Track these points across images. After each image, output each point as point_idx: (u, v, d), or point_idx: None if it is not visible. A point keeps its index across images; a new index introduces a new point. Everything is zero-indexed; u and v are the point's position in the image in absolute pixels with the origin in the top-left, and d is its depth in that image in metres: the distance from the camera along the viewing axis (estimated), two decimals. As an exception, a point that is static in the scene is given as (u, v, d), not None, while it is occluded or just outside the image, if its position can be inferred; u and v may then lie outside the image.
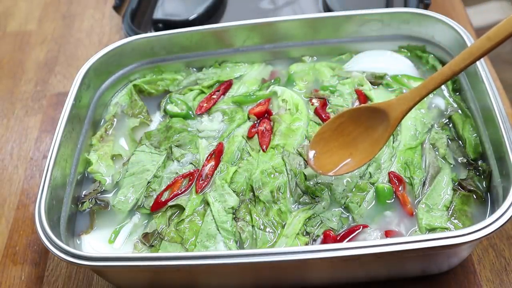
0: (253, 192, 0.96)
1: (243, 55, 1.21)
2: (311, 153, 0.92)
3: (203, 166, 1.02)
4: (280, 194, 0.96)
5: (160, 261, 0.80)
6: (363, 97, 1.10)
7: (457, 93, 1.09)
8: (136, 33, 1.33)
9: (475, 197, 0.93)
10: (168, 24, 1.38)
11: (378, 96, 1.10)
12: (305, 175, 0.98)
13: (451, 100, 1.08)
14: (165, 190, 1.00)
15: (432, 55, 1.15)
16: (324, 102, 1.11)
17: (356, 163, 0.90)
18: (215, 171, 1.01)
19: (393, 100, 0.86)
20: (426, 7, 1.32)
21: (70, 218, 0.98)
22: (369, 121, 0.89)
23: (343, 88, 1.12)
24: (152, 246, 0.93)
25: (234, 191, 0.97)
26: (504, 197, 0.81)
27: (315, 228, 0.92)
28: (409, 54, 1.18)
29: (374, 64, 1.16)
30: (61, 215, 0.95)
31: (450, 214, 0.91)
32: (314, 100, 1.11)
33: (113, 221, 0.99)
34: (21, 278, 1.04)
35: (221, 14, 1.46)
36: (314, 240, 0.90)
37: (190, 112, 1.14)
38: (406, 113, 0.85)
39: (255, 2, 1.48)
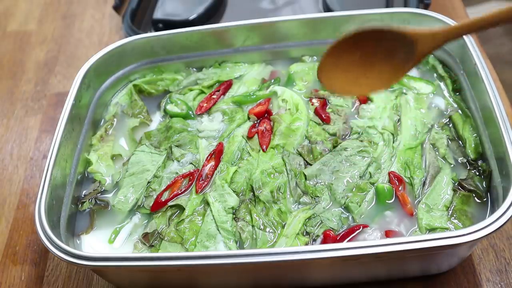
0: (253, 192, 0.96)
1: (243, 55, 1.21)
2: (322, 65, 0.81)
3: (203, 166, 1.02)
4: (280, 194, 0.96)
5: (160, 261, 0.80)
6: (363, 97, 1.10)
7: (457, 93, 1.09)
8: (136, 33, 1.33)
9: (475, 197, 0.93)
10: (168, 24, 1.38)
11: (378, 96, 1.10)
12: (305, 175, 0.98)
13: (451, 100, 1.08)
14: (165, 190, 1.00)
15: (432, 55, 1.15)
16: (324, 102, 1.11)
17: (370, 86, 0.81)
18: (215, 171, 1.01)
19: (425, 31, 0.74)
20: (426, 7, 1.32)
21: (70, 218, 0.98)
22: (392, 44, 0.77)
23: (343, 88, 1.12)
24: (152, 246, 0.93)
25: (234, 191, 0.97)
26: (504, 197, 0.81)
27: (315, 228, 0.92)
28: (409, 54, 1.18)
29: (374, 64, 1.16)
30: (61, 215, 0.95)
31: (450, 214, 0.91)
32: (314, 100, 1.11)
33: (113, 221, 0.99)
34: (21, 278, 1.04)
35: (221, 14, 1.46)
36: (314, 240, 0.90)
37: (190, 112, 1.14)
38: (435, 50, 0.75)
39: (255, 2, 1.48)
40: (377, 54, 0.79)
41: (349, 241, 0.89)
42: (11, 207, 1.16)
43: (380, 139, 1.02)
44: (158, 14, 1.42)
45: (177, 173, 1.02)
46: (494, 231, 0.77)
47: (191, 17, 1.39)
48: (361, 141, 1.02)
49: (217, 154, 1.03)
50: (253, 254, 0.79)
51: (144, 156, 1.05)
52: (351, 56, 0.79)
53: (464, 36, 1.03)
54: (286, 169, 0.99)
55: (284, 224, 0.92)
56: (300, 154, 1.01)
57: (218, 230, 0.92)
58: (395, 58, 0.78)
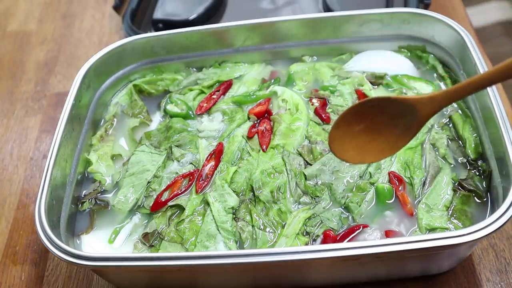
0: (253, 192, 0.96)
1: (243, 55, 1.21)
2: (332, 136, 0.87)
3: (203, 166, 1.02)
4: (280, 194, 0.96)
5: (160, 261, 0.80)
6: (363, 97, 1.10)
7: (457, 93, 1.09)
8: (136, 33, 1.33)
9: (475, 197, 0.93)
10: (168, 24, 1.38)
11: (378, 96, 1.10)
12: (305, 175, 0.98)
13: (451, 100, 1.08)
14: (165, 190, 1.00)
15: (432, 55, 1.15)
16: (324, 102, 1.11)
17: (379, 153, 0.86)
18: (215, 171, 1.01)
19: (425, 97, 0.80)
20: (426, 7, 1.32)
21: (70, 218, 0.98)
22: (396, 111, 0.83)
23: (343, 88, 1.12)
24: (152, 246, 0.93)
25: (234, 191, 0.97)
26: (504, 197, 0.81)
27: (315, 228, 0.92)
28: (409, 54, 1.18)
29: (374, 64, 1.16)
30: (61, 215, 0.95)
31: (450, 214, 0.91)
32: (314, 100, 1.11)
33: (113, 221, 0.99)
34: (21, 278, 1.04)
35: (221, 14, 1.46)
36: (314, 240, 0.90)
37: (190, 112, 1.14)
38: (435, 113, 0.81)
39: (255, 2, 1.48)
40: (383, 121, 0.84)
41: (349, 241, 0.89)
42: (11, 207, 1.16)
43: (380, 139, 1.02)
44: (158, 14, 1.42)
45: (177, 173, 1.02)
46: (494, 231, 0.77)
47: (191, 17, 1.39)
48: (361, 141, 1.02)
49: (217, 154, 1.03)
50: (253, 254, 0.79)
51: (144, 156, 1.05)
52: (358, 125, 0.86)
53: (464, 36, 1.04)
54: (286, 169, 0.99)
55: (284, 224, 0.92)
56: (300, 154, 1.01)
57: (218, 230, 0.92)
58: (400, 123, 0.83)
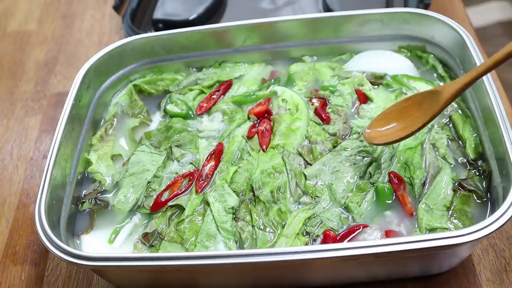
0: (253, 192, 0.96)
1: (243, 55, 1.21)
2: (371, 129, 0.98)
3: (203, 166, 1.02)
4: (280, 194, 0.96)
5: (160, 261, 0.80)
6: (363, 97, 1.10)
7: (457, 93, 1.09)
8: (136, 33, 1.33)
9: (475, 197, 0.93)
10: (168, 24, 1.38)
11: (378, 96, 1.10)
12: (305, 175, 0.98)
13: (451, 100, 1.08)
14: (165, 190, 1.00)
15: (432, 55, 1.15)
16: (324, 102, 1.11)
17: (406, 130, 0.93)
18: (215, 171, 1.01)
19: (447, 83, 0.90)
20: (426, 7, 1.31)
21: (70, 218, 0.98)
22: (422, 97, 0.93)
23: (343, 88, 1.12)
24: (152, 246, 0.93)
25: (234, 191, 0.97)
26: (504, 197, 0.81)
27: (315, 228, 0.92)
28: (409, 54, 1.18)
29: (374, 64, 1.16)
30: (61, 215, 0.95)
31: (450, 214, 0.91)
32: (314, 100, 1.11)
33: (113, 221, 0.99)
34: (21, 278, 1.04)
35: (221, 14, 1.46)
36: (314, 240, 0.90)
37: (190, 112, 1.14)
38: (457, 93, 0.88)
39: (255, 2, 1.48)
40: (410, 105, 0.94)
41: (349, 241, 0.89)
42: (11, 207, 1.16)
43: (380, 139, 1.02)
44: (158, 14, 1.42)
45: (177, 173, 1.02)
46: (494, 231, 0.77)
47: (191, 17, 1.39)
48: (361, 141, 1.02)
49: (217, 154, 1.03)
50: (253, 254, 0.79)
51: (144, 156, 1.05)
52: (392, 113, 0.97)
53: (464, 36, 1.04)
54: (286, 169, 0.99)
55: (284, 224, 0.92)
56: (300, 154, 1.01)
57: (218, 230, 0.92)
58: (423, 105, 0.92)
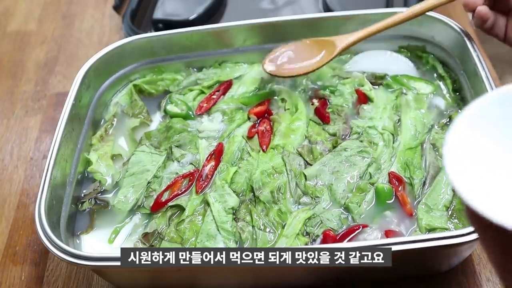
0: (253, 193, 0.96)
1: (243, 55, 1.21)
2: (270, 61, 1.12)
3: (203, 166, 1.02)
4: (280, 194, 0.96)
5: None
6: (363, 97, 1.10)
7: (457, 93, 1.09)
8: (136, 33, 1.33)
9: (475, 197, 0.92)
10: (168, 24, 1.38)
11: (379, 96, 1.10)
12: (305, 175, 0.98)
13: (451, 100, 1.08)
14: (165, 190, 1.00)
15: (432, 55, 1.15)
16: (324, 102, 1.11)
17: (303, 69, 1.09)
18: (215, 171, 1.01)
19: (343, 35, 1.09)
20: (426, 7, 1.31)
21: (70, 218, 0.98)
22: (321, 49, 1.10)
23: (343, 88, 1.12)
24: (152, 246, 0.93)
25: (234, 192, 0.97)
26: (504, 197, 0.81)
27: (315, 228, 0.92)
28: (409, 54, 1.18)
29: (374, 64, 1.16)
30: (61, 215, 0.95)
31: (450, 214, 0.91)
32: (314, 100, 1.11)
33: (113, 221, 0.99)
34: (21, 278, 1.04)
35: (221, 14, 1.46)
36: (314, 240, 0.90)
37: (190, 112, 1.14)
38: (348, 47, 1.07)
39: (255, 2, 1.48)
40: (311, 47, 1.12)
41: (349, 241, 0.89)
42: (11, 207, 1.16)
43: (380, 140, 1.02)
44: (158, 14, 1.42)
45: (177, 173, 1.02)
46: (494, 231, 0.76)
47: (191, 17, 1.38)
48: (361, 141, 1.02)
49: (217, 154, 1.03)
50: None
51: (144, 156, 1.05)
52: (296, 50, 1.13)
53: (464, 36, 1.04)
54: (286, 169, 0.99)
55: (284, 225, 0.92)
56: (300, 154, 1.01)
57: (218, 230, 0.92)
58: (321, 52, 1.10)
